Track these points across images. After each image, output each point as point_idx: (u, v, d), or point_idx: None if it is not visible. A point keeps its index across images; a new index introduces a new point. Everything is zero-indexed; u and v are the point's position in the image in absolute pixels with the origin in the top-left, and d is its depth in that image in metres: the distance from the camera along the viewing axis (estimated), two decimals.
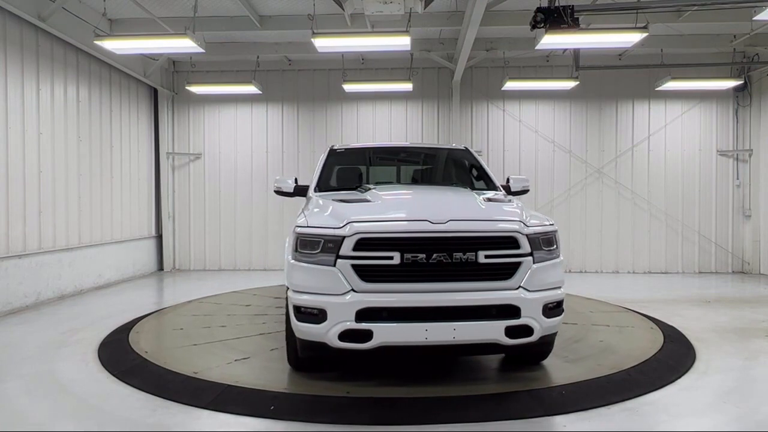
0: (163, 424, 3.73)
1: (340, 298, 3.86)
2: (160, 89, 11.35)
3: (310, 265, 4.00)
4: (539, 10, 6.53)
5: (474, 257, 3.90)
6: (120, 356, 5.23)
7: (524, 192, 5.66)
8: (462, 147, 6.48)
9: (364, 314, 3.83)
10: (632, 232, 11.32)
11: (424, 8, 7.80)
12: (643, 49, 10.14)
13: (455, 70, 10.44)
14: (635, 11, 7.12)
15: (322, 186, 5.55)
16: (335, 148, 6.18)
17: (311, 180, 5.92)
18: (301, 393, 4.20)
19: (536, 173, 11.24)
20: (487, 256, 3.92)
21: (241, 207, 11.65)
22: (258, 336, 5.85)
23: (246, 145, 11.68)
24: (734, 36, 9.90)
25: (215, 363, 4.89)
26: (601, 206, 11.33)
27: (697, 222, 11.30)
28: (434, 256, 3.86)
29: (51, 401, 4.16)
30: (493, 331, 3.89)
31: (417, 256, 3.86)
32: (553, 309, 4.12)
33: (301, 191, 5.64)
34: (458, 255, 3.88)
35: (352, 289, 3.88)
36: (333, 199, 4.65)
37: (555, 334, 4.37)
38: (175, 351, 5.29)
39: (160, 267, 11.66)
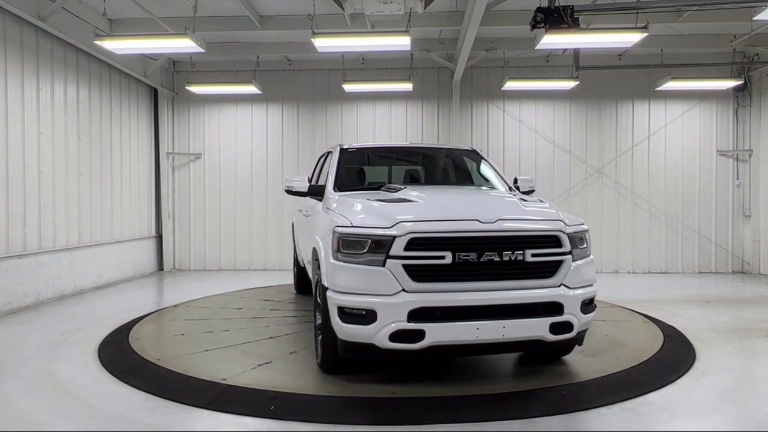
0: (163, 424, 3.73)
1: (391, 299, 3.85)
2: (160, 89, 11.35)
3: (356, 265, 3.97)
4: (539, 10, 6.52)
5: (522, 256, 3.99)
6: (120, 356, 5.22)
7: (530, 192, 5.74)
8: (469, 148, 6.56)
9: (416, 314, 3.83)
10: (632, 232, 11.32)
11: (424, 8, 7.79)
12: (643, 49, 10.14)
13: (455, 70, 10.43)
14: (635, 11, 7.12)
15: (341, 185, 5.43)
16: (346, 147, 6.06)
17: (315, 179, 5.87)
18: (301, 393, 4.19)
19: (536, 173, 11.23)
20: (533, 255, 4.02)
21: (241, 207, 11.65)
22: (268, 340, 5.73)
23: (246, 145, 11.68)
24: (734, 36, 9.90)
25: (240, 368, 4.71)
26: (601, 206, 11.33)
27: (697, 222, 11.30)
28: (485, 255, 3.92)
29: (51, 401, 4.16)
30: (538, 328, 3.99)
31: (468, 256, 3.90)
32: (588, 305, 4.27)
33: (316, 191, 5.51)
34: (507, 254, 3.96)
35: (403, 289, 3.87)
36: (368, 199, 4.59)
37: (587, 329, 4.45)
38: (189, 357, 5.10)
39: (160, 267, 11.66)
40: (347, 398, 4.10)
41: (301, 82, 11.57)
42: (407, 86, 10.55)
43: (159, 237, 11.66)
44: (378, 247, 3.91)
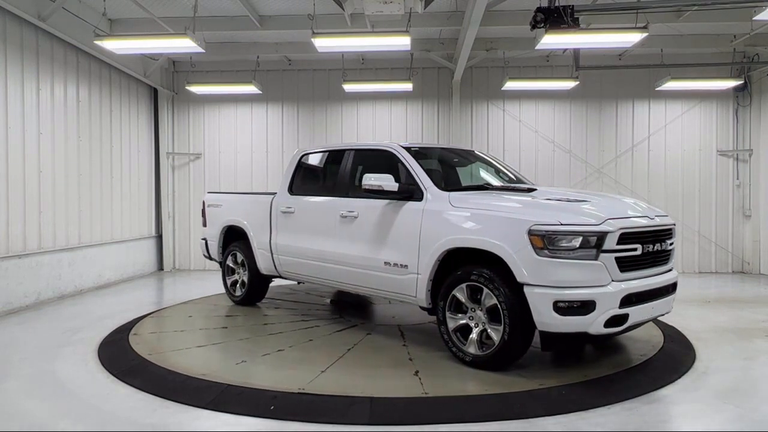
0: (163, 424, 3.74)
1: (607, 288, 4.26)
2: (160, 89, 11.35)
3: (568, 260, 4.26)
4: (539, 10, 6.53)
5: (669, 245, 4.87)
6: (120, 356, 5.22)
7: None
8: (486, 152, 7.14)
9: (625, 300, 4.30)
10: None
11: (424, 8, 7.80)
12: (643, 49, 10.14)
13: (455, 70, 10.43)
14: (635, 11, 7.12)
15: (440, 185, 5.29)
16: (408, 146, 5.84)
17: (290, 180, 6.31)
18: (300, 392, 4.19)
19: (536, 173, 11.23)
20: (670, 244, 4.92)
21: None
22: (349, 354, 5.14)
23: (246, 145, 11.68)
24: (734, 36, 9.90)
25: (396, 382, 4.41)
26: None
27: (697, 222, 11.29)
28: (655, 245, 4.66)
29: (51, 401, 4.16)
30: (671, 303, 4.91)
31: (650, 247, 4.60)
32: None
33: (405, 190, 5.31)
34: (664, 244, 4.78)
35: (612, 279, 4.31)
36: (534, 198, 4.85)
37: None
38: (271, 373, 4.62)
39: (160, 267, 11.65)
40: (348, 398, 4.08)
41: (301, 82, 11.57)
42: (407, 86, 10.55)
43: (159, 237, 11.66)
44: (590, 242, 4.27)
